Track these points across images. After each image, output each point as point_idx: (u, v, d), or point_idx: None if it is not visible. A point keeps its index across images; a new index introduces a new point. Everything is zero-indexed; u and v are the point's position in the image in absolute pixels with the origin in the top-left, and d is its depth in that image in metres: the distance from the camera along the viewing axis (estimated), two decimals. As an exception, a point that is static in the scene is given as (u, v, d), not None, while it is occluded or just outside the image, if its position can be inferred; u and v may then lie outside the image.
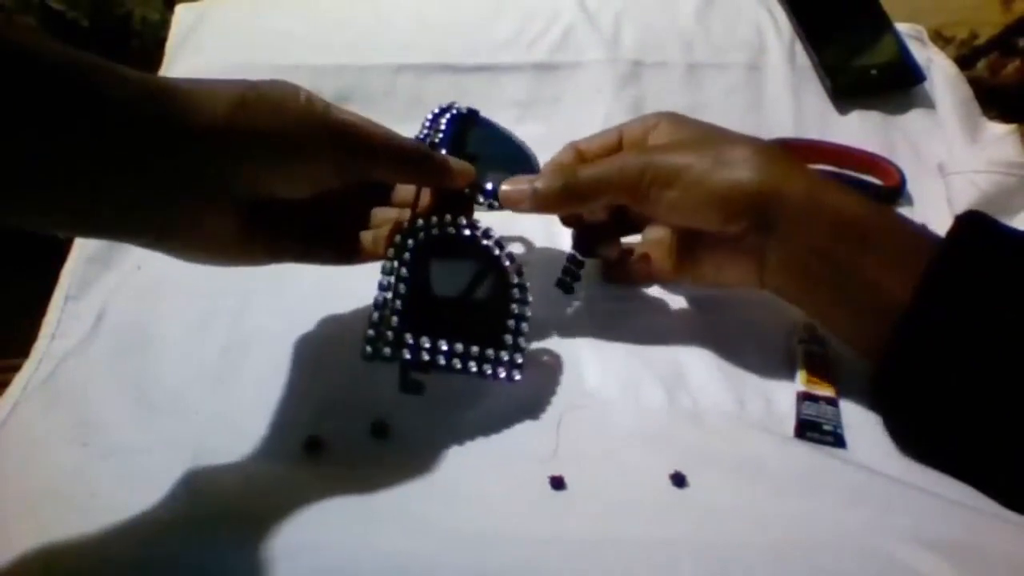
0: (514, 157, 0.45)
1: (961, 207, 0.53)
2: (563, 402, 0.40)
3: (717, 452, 0.37)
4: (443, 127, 0.45)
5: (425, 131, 0.45)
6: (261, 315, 0.45)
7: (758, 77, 0.62)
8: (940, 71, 0.63)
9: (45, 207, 0.29)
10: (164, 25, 0.68)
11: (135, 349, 0.43)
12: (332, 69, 0.60)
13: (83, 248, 0.51)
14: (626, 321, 0.46)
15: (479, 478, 0.36)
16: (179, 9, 0.66)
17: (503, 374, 0.38)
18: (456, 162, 0.40)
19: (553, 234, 0.50)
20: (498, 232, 0.41)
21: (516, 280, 0.40)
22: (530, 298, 0.40)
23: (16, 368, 0.45)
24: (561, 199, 0.41)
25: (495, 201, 0.42)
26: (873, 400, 0.41)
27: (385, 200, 0.43)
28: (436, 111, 0.46)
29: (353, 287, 0.40)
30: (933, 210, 0.53)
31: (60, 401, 0.41)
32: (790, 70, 0.63)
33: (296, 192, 0.36)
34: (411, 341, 0.36)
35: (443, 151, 0.43)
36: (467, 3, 0.66)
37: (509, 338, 0.39)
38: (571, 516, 0.34)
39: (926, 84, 0.62)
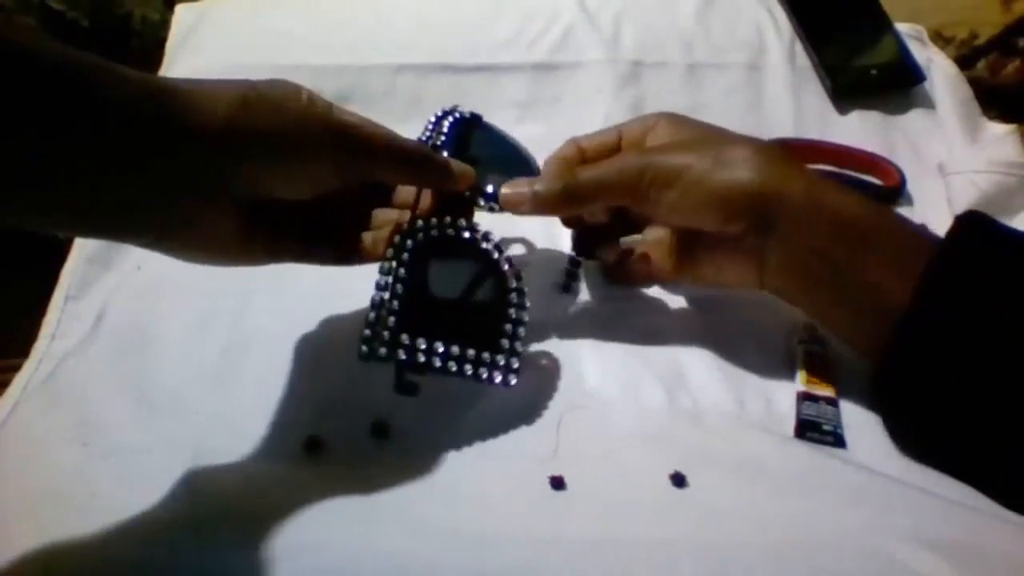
0: (516, 161, 0.45)
1: (961, 207, 0.53)
2: (563, 402, 0.40)
3: (717, 452, 0.37)
4: (446, 130, 0.45)
5: (428, 133, 0.45)
6: (261, 315, 0.45)
7: (758, 77, 0.62)
8: (940, 71, 0.63)
9: (45, 207, 0.29)
10: (164, 25, 0.68)
11: (135, 349, 0.43)
12: (332, 69, 0.60)
13: (83, 248, 0.51)
14: (626, 321, 0.46)
15: (479, 478, 0.36)
16: (179, 9, 0.66)
17: (498, 378, 0.38)
18: (457, 164, 0.40)
19: (553, 235, 0.50)
20: (499, 233, 0.41)
21: (514, 284, 0.40)
22: (528, 303, 0.40)
23: (16, 368, 0.45)
24: (561, 201, 0.41)
25: (495, 204, 0.42)
26: (873, 400, 0.41)
27: (387, 201, 0.43)
28: (439, 114, 0.46)
29: (353, 287, 0.40)
30: (933, 210, 0.53)
31: (60, 401, 0.41)
32: (790, 70, 0.63)
33: (296, 193, 0.36)
34: (407, 342, 0.36)
35: (444, 153, 0.43)
36: (467, 3, 0.66)
37: (506, 342, 0.38)
38: (571, 516, 0.34)
39: (926, 84, 0.62)
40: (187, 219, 0.33)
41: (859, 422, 0.40)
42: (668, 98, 0.60)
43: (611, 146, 0.45)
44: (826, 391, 0.41)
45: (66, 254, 0.52)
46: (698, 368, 0.43)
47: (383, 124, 0.37)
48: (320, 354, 0.43)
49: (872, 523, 0.32)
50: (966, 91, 0.62)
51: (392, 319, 0.36)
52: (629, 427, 0.39)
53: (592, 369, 0.43)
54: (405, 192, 0.43)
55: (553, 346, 0.44)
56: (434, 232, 0.39)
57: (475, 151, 0.44)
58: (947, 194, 0.55)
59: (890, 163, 0.56)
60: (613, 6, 0.65)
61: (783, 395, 0.42)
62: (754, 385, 0.42)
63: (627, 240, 0.45)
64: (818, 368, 0.42)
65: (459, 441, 0.38)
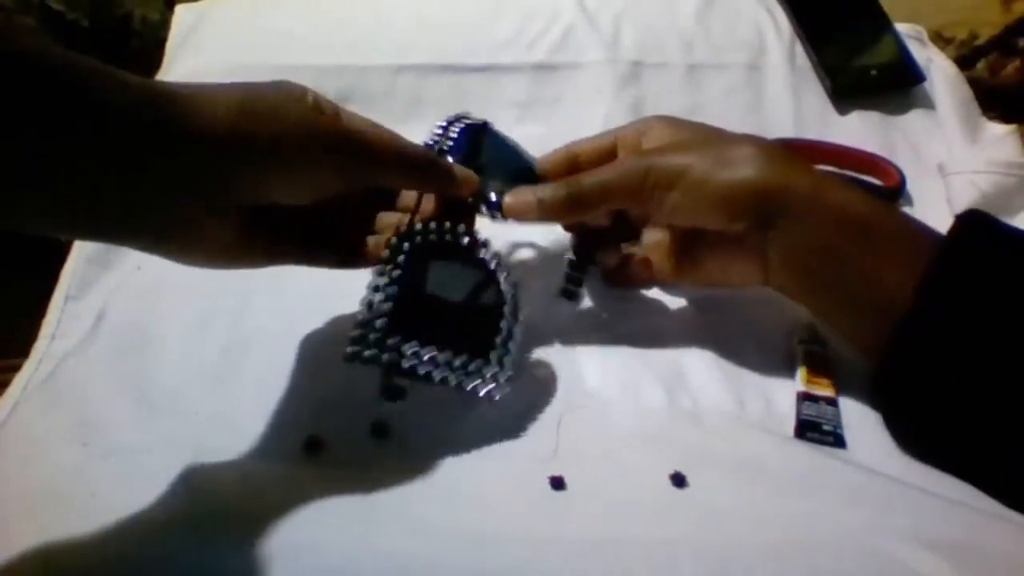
0: (522, 171, 0.45)
1: (961, 207, 0.53)
2: (563, 402, 0.40)
3: (717, 452, 0.37)
4: (453, 136, 0.45)
5: (435, 138, 0.45)
6: (261, 315, 0.45)
7: (758, 77, 0.62)
8: (940, 71, 0.63)
9: (45, 209, 0.29)
10: (164, 25, 0.68)
11: (135, 349, 0.43)
12: (332, 69, 0.60)
13: (83, 248, 0.51)
14: (626, 321, 0.46)
15: (479, 478, 0.36)
16: (179, 9, 0.66)
17: (483, 391, 0.37)
18: (460, 170, 0.40)
19: (554, 239, 0.50)
20: (499, 236, 0.41)
21: (509, 296, 0.39)
22: (521, 316, 0.39)
23: (16, 368, 0.45)
24: (565, 208, 0.41)
25: (498, 212, 0.42)
26: (873, 399, 0.41)
27: (391, 204, 0.43)
28: (449, 119, 0.46)
29: (354, 288, 0.40)
30: (933, 210, 0.53)
31: (60, 401, 0.41)
32: (790, 70, 0.63)
33: (297, 198, 0.35)
34: (395, 345, 0.36)
35: (450, 159, 0.43)
36: (467, 3, 0.66)
37: (494, 355, 0.38)
38: (571, 516, 0.34)
39: (926, 84, 0.62)
40: (186, 222, 0.33)
41: (859, 422, 0.40)
42: (668, 98, 0.60)
43: (606, 150, 0.45)
44: (826, 391, 0.41)
45: (66, 254, 0.52)
46: (698, 368, 0.43)
47: (383, 124, 0.37)
48: (320, 354, 0.43)
49: (872, 523, 0.32)
50: (966, 91, 0.62)
51: (380, 321, 0.36)
52: (629, 427, 0.39)
53: (592, 369, 0.43)
54: (409, 196, 0.42)
55: (553, 346, 0.44)
56: (432, 237, 0.39)
57: (482, 158, 0.44)
58: (947, 194, 0.55)
59: (890, 163, 0.56)
60: (613, 6, 0.65)
61: (783, 395, 0.42)
62: (754, 385, 0.42)
63: (627, 245, 0.45)
64: (818, 368, 0.42)
65: (459, 441, 0.38)
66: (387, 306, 0.36)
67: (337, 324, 0.44)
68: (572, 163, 0.45)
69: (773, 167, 0.38)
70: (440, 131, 0.45)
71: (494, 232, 0.41)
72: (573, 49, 0.63)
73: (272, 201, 0.35)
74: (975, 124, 0.60)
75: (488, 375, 0.37)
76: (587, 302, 0.47)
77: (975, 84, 0.63)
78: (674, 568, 0.30)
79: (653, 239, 0.45)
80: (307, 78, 0.36)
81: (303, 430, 0.38)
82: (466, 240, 0.40)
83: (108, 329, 0.45)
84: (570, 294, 0.45)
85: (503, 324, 0.38)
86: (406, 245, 0.38)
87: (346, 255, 0.41)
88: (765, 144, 0.40)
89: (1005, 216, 0.52)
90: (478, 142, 0.45)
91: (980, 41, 0.93)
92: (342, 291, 0.42)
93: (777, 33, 0.65)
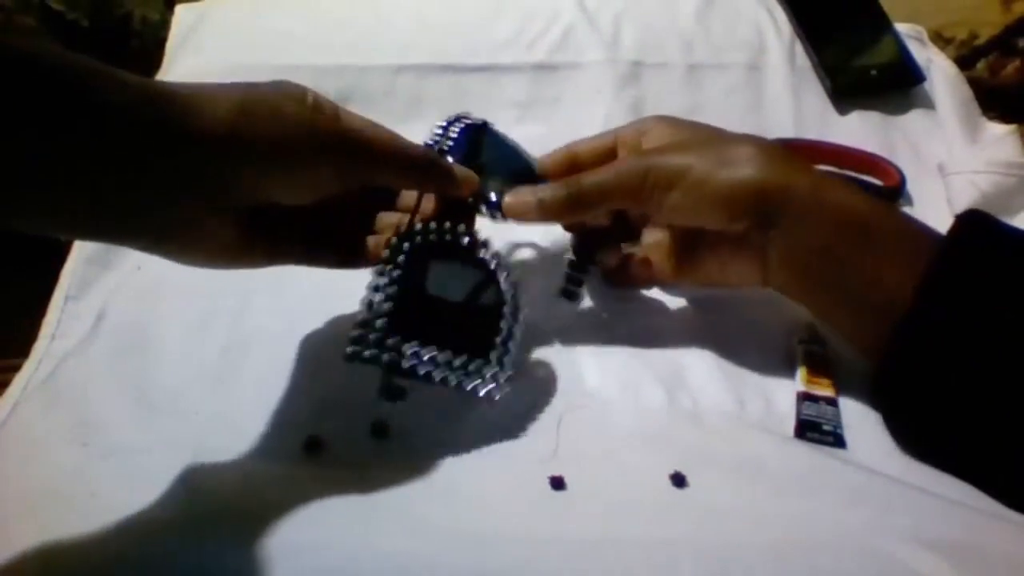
0: (522, 171, 0.45)
1: (961, 207, 0.53)
2: (563, 402, 0.40)
3: (717, 452, 0.37)
4: (453, 135, 0.45)
5: (435, 138, 0.45)
6: (261, 315, 0.45)
7: (758, 77, 0.62)
8: (940, 71, 0.63)
9: (45, 208, 0.29)
10: (164, 25, 0.68)
11: (135, 349, 0.43)
12: (332, 69, 0.60)
13: (83, 248, 0.51)
14: (626, 321, 0.46)
15: (479, 478, 0.36)
16: (179, 9, 0.66)
17: (483, 391, 0.37)
18: (460, 170, 0.40)
19: (554, 239, 0.50)
20: (499, 236, 0.41)
21: (509, 296, 0.39)
22: (521, 316, 0.39)
23: (16, 368, 0.45)
24: (566, 208, 0.41)
25: (498, 212, 0.42)
26: (873, 399, 0.41)
27: (391, 204, 0.43)
28: (450, 119, 0.46)
29: (354, 288, 0.40)
30: (933, 210, 0.53)
31: (60, 401, 0.41)
32: (790, 70, 0.63)
33: (297, 198, 0.35)
34: (395, 345, 0.36)
35: (450, 159, 0.43)
36: (467, 3, 0.66)
37: (494, 355, 0.38)
38: (571, 516, 0.34)
39: (926, 84, 0.62)
40: (186, 222, 0.33)
41: (859, 422, 0.40)
42: (668, 98, 0.60)
43: (606, 150, 0.45)
44: (826, 391, 0.41)
45: (66, 254, 0.52)
46: (698, 368, 0.43)
47: (383, 124, 0.37)
48: (320, 354, 0.43)
49: (872, 523, 0.32)
50: (966, 91, 0.62)
51: (380, 321, 0.36)
52: (629, 427, 0.39)
53: (592, 369, 0.42)
54: (409, 196, 0.42)
55: (553, 346, 0.44)
56: (432, 237, 0.39)
57: (482, 158, 0.44)
58: (947, 194, 0.55)
59: (890, 163, 0.56)
60: (613, 6, 0.65)
61: (783, 395, 0.42)
62: (754, 385, 0.42)
63: (627, 245, 0.45)
64: (818, 368, 0.42)
65: (459, 441, 0.38)
66: (387, 306, 0.36)
67: (337, 324, 0.44)
68: (572, 163, 0.45)
69: (773, 167, 0.38)
70: (440, 131, 0.45)
71: (494, 232, 0.41)
72: (573, 49, 0.63)
73: (272, 201, 0.35)
74: (975, 124, 0.60)
75: (488, 375, 0.37)
76: (587, 302, 0.47)
77: (975, 84, 0.63)
78: (674, 568, 0.30)
79: (653, 239, 0.45)
80: (307, 78, 0.36)
81: (303, 430, 0.38)
82: (466, 240, 0.40)
83: (108, 329, 0.45)
84: (570, 294, 0.45)
85: (503, 324, 0.39)
86: (406, 245, 0.38)
87: (346, 255, 0.41)
88: (765, 144, 0.40)
89: (1005, 216, 0.52)
90: (478, 142, 0.45)
91: (980, 41, 0.93)
92: (342, 291, 0.42)
93: (777, 33, 0.65)
